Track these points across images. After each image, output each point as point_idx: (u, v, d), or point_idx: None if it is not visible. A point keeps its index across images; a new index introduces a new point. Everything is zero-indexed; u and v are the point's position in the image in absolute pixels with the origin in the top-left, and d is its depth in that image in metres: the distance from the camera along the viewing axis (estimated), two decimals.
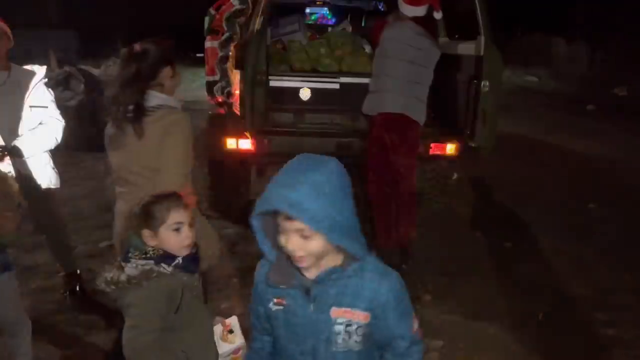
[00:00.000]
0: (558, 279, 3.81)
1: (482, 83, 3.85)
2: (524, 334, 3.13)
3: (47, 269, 3.61)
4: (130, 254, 1.67)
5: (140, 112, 2.08)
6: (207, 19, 4.75)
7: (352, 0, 6.41)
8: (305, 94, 4.40)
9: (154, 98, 2.14)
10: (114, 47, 18.61)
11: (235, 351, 1.88)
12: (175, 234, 1.69)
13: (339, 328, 1.35)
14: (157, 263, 1.65)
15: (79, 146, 6.49)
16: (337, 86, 4.43)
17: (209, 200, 4.92)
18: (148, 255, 1.66)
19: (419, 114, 3.67)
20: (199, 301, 1.79)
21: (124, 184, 2.23)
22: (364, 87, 3.83)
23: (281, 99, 4.37)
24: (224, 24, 4.34)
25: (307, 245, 1.27)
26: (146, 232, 1.68)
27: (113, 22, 20.54)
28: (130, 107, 2.08)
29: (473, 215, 5.08)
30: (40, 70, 2.98)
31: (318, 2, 6.54)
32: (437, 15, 3.85)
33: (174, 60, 2.22)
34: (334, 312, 1.34)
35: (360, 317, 1.35)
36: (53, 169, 3.08)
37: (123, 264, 1.66)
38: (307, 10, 6.65)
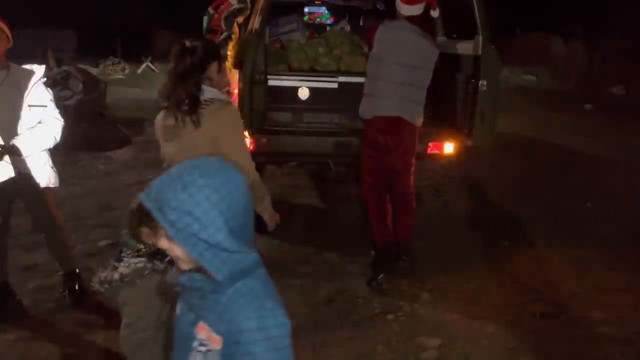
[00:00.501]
0: (555, 278, 3.83)
1: (480, 82, 3.86)
2: (522, 332, 3.15)
3: (46, 268, 3.62)
4: (123, 254, 1.69)
5: (196, 104, 2.21)
6: (205, 19, 4.74)
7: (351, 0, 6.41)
8: (303, 93, 4.41)
9: (207, 92, 2.26)
10: (112, 47, 18.64)
11: None
12: None
13: (194, 344, 1.22)
14: (150, 260, 1.67)
15: (78, 145, 6.51)
16: (335, 85, 4.44)
17: None
18: (141, 253, 1.68)
19: (415, 116, 3.66)
20: None
21: None
22: (363, 86, 3.84)
23: (280, 98, 4.38)
24: (222, 23, 4.34)
25: (173, 247, 1.18)
26: (145, 230, 1.69)
27: (111, 21, 20.52)
28: (186, 100, 2.20)
29: (471, 214, 5.10)
30: (39, 70, 2.99)
31: (317, 2, 6.54)
32: (434, 13, 3.82)
33: (220, 56, 2.36)
34: (199, 326, 1.22)
35: (215, 340, 1.19)
36: (52, 168, 3.09)
37: (116, 264, 1.67)
38: (306, 9, 6.65)
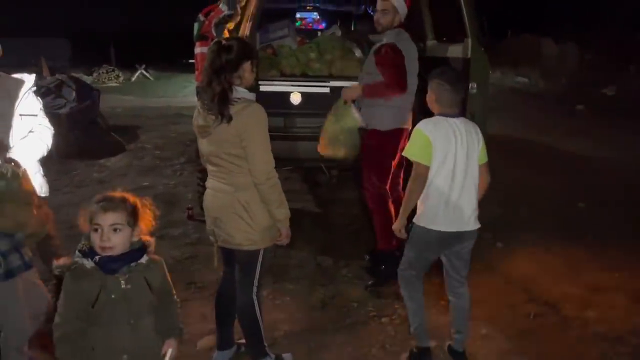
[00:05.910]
0: (548, 278, 3.84)
1: (470, 85, 3.89)
2: (516, 333, 3.16)
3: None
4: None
5: (226, 100, 2.29)
6: (196, 25, 4.77)
7: (342, 5, 6.45)
8: (295, 99, 4.42)
9: (235, 91, 2.35)
10: (106, 54, 18.61)
11: None
12: (94, 234, 1.80)
13: None
14: (84, 257, 1.79)
15: (72, 154, 6.50)
16: (327, 90, 4.45)
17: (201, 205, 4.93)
18: (80, 248, 1.81)
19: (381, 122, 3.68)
20: (120, 305, 1.80)
21: (213, 165, 2.47)
22: None
23: (272, 104, 4.38)
24: (213, 30, 4.36)
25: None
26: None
27: (104, 29, 20.51)
28: (217, 97, 2.28)
29: None
30: (29, 79, 2.98)
31: (308, 7, 6.58)
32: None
33: (254, 56, 2.42)
34: None
35: None
36: (43, 177, 3.08)
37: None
38: (298, 14, 6.69)
